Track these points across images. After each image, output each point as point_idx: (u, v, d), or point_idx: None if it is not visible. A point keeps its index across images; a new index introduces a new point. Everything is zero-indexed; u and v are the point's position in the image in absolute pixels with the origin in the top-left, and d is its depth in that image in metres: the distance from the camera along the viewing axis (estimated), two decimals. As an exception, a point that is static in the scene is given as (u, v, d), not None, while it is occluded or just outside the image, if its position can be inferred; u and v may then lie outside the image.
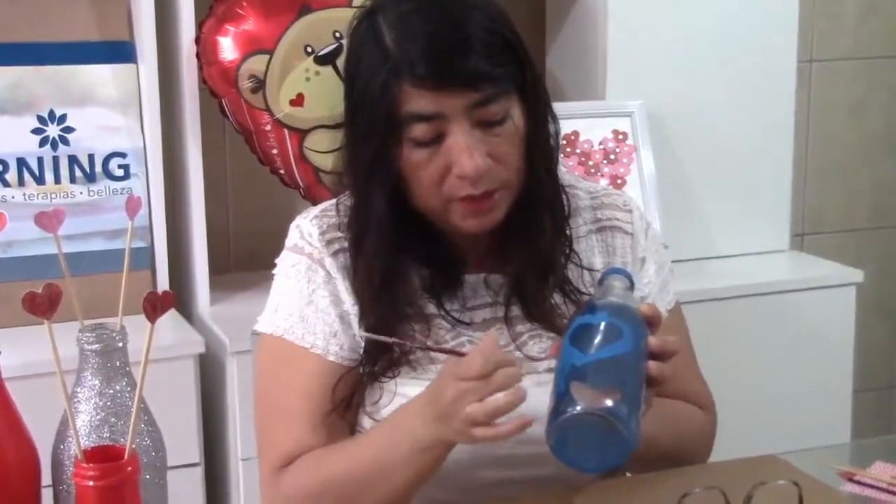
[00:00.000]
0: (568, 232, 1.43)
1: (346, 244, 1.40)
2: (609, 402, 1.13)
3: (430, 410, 1.26)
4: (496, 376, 1.20)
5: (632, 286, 1.30)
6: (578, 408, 1.13)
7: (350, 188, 1.40)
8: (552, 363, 1.34)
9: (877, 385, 3.15)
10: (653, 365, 1.20)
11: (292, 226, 1.45)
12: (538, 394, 1.30)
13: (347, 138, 1.38)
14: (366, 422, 1.40)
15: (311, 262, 1.41)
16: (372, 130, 1.32)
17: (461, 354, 1.25)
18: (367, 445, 1.34)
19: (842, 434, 2.53)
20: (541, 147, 1.38)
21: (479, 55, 1.29)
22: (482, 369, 1.20)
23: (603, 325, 1.20)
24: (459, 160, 1.29)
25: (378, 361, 1.38)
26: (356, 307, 1.39)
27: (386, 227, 1.35)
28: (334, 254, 1.41)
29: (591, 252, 1.46)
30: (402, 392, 1.37)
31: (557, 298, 1.41)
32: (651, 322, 1.24)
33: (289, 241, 1.45)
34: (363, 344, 1.39)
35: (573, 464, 1.18)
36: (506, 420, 1.21)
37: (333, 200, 1.45)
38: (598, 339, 1.18)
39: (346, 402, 1.39)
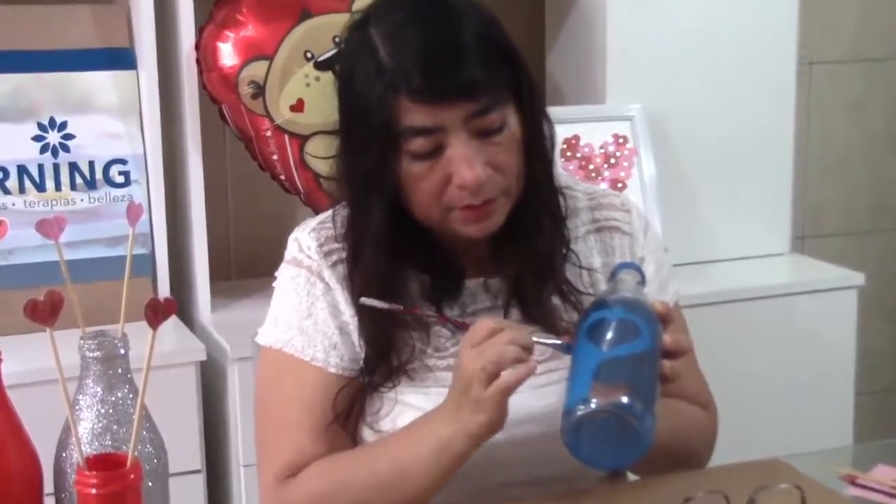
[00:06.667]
0: (565, 233, 1.43)
1: (344, 255, 1.40)
2: (625, 399, 1.12)
3: (449, 402, 1.26)
4: (506, 329, 1.22)
5: (643, 281, 1.30)
6: (594, 404, 1.12)
7: (346, 199, 1.40)
8: (548, 366, 1.34)
9: (879, 388, 3.14)
10: (667, 363, 1.20)
11: (290, 238, 1.45)
12: (534, 398, 1.31)
13: (343, 149, 1.38)
14: (366, 432, 1.41)
15: (309, 274, 1.41)
16: (369, 143, 1.31)
17: (465, 325, 1.28)
18: (385, 449, 1.34)
19: (844, 437, 2.53)
20: (538, 151, 1.38)
21: (474, 65, 1.29)
22: (493, 326, 1.22)
23: (620, 321, 1.19)
24: (459, 171, 1.29)
25: (377, 371, 1.38)
26: (355, 318, 1.39)
27: (383, 239, 1.35)
28: (333, 265, 1.41)
29: (589, 253, 1.46)
30: (402, 400, 1.38)
31: (556, 301, 1.41)
32: (664, 320, 1.24)
33: (287, 254, 1.45)
34: (362, 354, 1.39)
35: (588, 461, 1.18)
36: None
37: (330, 211, 1.45)
38: (615, 336, 1.18)
39: (346, 412, 1.39)
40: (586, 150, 2.43)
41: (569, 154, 2.42)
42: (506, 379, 1.21)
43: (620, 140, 2.44)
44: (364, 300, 1.31)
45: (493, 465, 1.35)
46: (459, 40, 1.30)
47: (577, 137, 2.43)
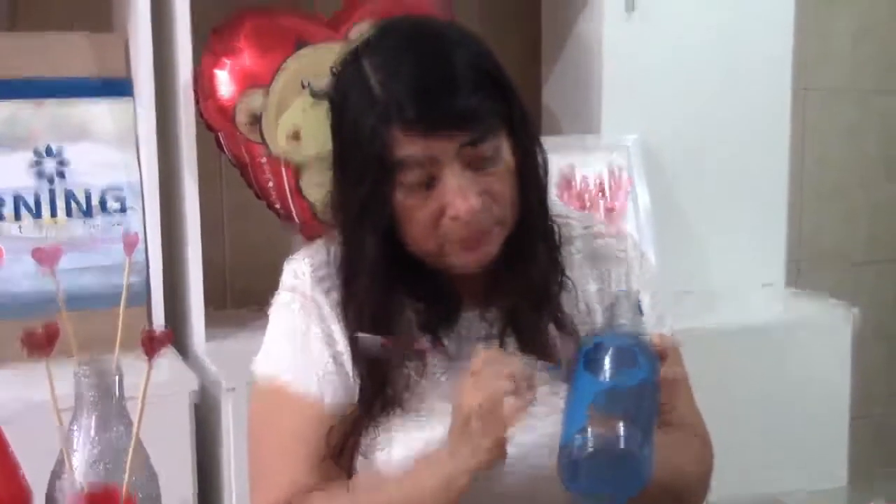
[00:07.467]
0: (560, 260, 1.43)
1: (338, 282, 1.40)
2: (624, 430, 1.12)
3: (449, 441, 1.26)
4: (502, 362, 1.22)
5: (640, 312, 1.30)
6: (592, 435, 1.12)
7: (340, 228, 1.39)
8: (542, 396, 1.33)
9: (873, 419, 3.14)
10: (664, 395, 1.20)
11: (285, 266, 1.45)
12: (526, 430, 1.30)
13: (337, 179, 1.37)
14: (360, 462, 1.39)
15: (304, 300, 1.41)
16: (363, 175, 1.31)
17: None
18: (384, 489, 1.33)
19: (838, 470, 2.52)
20: (532, 180, 1.38)
21: (466, 95, 1.28)
22: (489, 358, 1.23)
23: (618, 351, 1.18)
24: (453, 203, 1.29)
25: (372, 405, 1.37)
26: (349, 347, 1.38)
27: (378, 271, 1.34)
28: (327, 292, 1.41)
29: (584, 281, 1.46)
30: (398, 431, 1.37)
31: (552, 330, 1.41)
32: (661, 351, 1.23)
33: (283, 281, 1.45)
34: (358, 384, 1.38)
35: (586, 493, 1.17)
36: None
37: (325, 238, 1.44)
38: (612, 366, 1.17)
39: (340, 446, 1.38)
40: (581, 180, 2.44)
41: (564, 184, 2.42)
42: (503, 412, 1.20)
43: (616, 170, 2.45)
44: (360, 335, 1.31)
45: (487, 497, 1.34)
46: (451, 71, 1.30)
47: (572, 167, 2.43)
